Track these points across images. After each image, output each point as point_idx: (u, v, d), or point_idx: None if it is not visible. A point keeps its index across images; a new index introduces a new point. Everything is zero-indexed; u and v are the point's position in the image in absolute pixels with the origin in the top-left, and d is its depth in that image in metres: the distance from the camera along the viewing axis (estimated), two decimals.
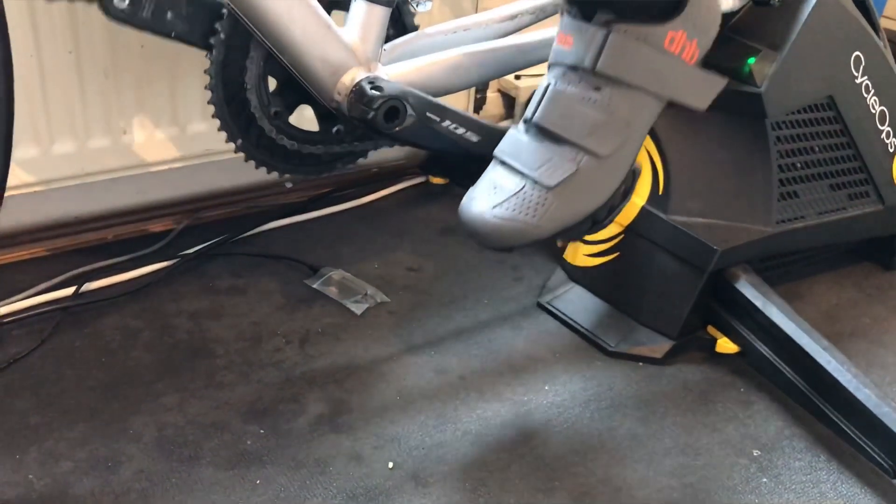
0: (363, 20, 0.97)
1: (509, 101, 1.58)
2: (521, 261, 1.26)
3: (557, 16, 1.06)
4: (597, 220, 0.90)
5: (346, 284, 1.16)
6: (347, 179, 1.40)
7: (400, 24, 1.10)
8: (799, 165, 1.10)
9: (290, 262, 1.20)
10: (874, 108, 1.15)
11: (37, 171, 1.13)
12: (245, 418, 0.92)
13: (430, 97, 0.97)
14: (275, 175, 1.12)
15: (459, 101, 1.45)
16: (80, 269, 1.13)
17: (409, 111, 0.95)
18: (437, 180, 1.46)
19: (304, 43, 0.93)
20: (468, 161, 1.01)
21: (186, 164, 1.24)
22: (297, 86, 0.98)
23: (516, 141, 0.89)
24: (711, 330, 1.09)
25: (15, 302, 1.06)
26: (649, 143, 1.08)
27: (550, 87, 0.87)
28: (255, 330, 1.06)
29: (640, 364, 1.06)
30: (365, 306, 1.12)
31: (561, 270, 1.20)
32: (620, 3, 0.85)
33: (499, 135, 0.92)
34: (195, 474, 0.85)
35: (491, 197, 0.86)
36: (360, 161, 1.19)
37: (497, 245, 0.87)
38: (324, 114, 1.04)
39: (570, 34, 0.87)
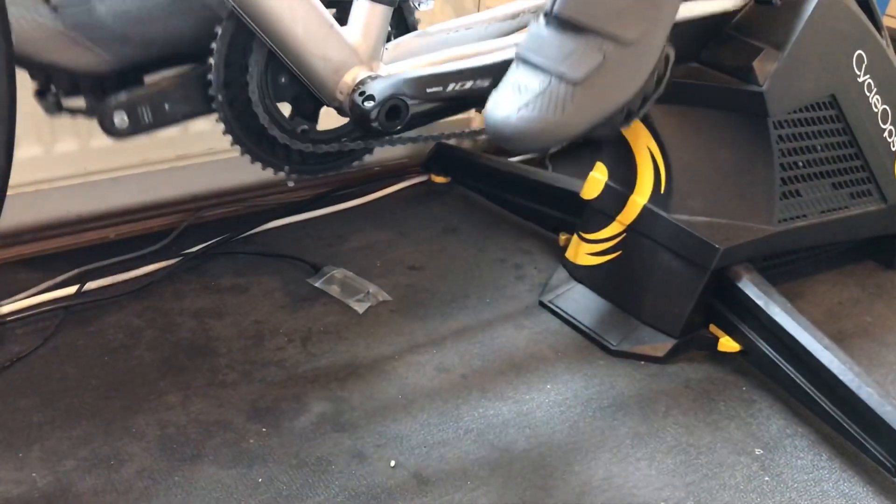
0: (365, 19, 0.97)
1: None
2: (524, 259, 1.26)
3: None
4: (631, 110, 0.86)
5: (348, 283, 1.16)
6: (349, 178, 1.41)
7: (402, 22, 1.10)
8: (801, 164, 1.10)
9: (292, 260, 1.21)
10: (876, 107, 1.15)
11: (39, 170, 1.13)
12: (247, 417, 0.92)
13: (424, 70, 0.94)
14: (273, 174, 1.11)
15: None
16: (83, 268, 1.13)
17: (410, 102, 0.94)
18: (438, 179, 1.46)
19: (305, 41, 0.93)
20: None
21: (188, 162, 1.24)
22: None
23: (537, 36, 0.83)
24: (713, 329, 1.09)
25: (17, 301, 1.06)
26: (651, 142, 1.08)
27: None
28: (257, 328, 1.06)
29: (642, 363, 1.06)
30: (367, 305, 1.12)
31: (563, 269, 1.20)
32: None
33: (508, 66, 0.89)
34: (197, 473, 0.85)
35: (516, 98, 0.82)
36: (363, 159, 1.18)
37: (529, 147, 0.84)
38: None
39: None
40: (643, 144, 1.09)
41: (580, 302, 1.14)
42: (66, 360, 0.98)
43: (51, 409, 0.91)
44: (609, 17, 0.80)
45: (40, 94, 0.89)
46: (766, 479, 0.90)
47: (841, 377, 0.94)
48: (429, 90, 0.92)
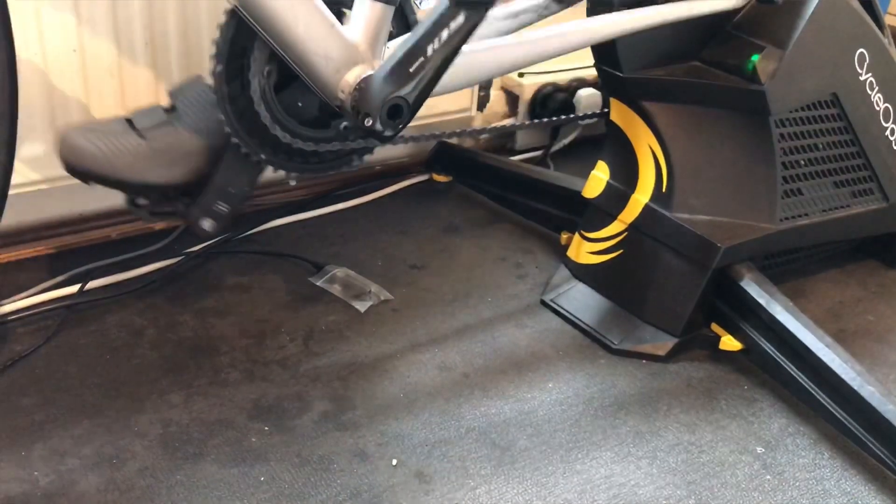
0: (366, 18, 0.97)
1: (513, 99, 1.58)
2: (525, 258, 1.26)
3: (560, 13, 1.06)
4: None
5: (350, 282, 1.16)
6: (351, 177, 1.41)
7: (403, 21, 1.10)
8: (803, 163, 1.10)
9: (294, 259, 1.21)
10: (878, 105, 1.15)
11: (41, 169, 1.13)
12: (249, 415, 0.92)
13: (399, 53, 0.93)
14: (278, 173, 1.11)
15: (463, 99, 1.45)
16: (85, 267, 1.13)
17: (407, 99, 0.94)
18: (440, 178, 1.46)
19: (307, 40, 0.93)
20: None
21: None
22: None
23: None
24: (715, 327, 1.09)
25: (20, 300, 1.06)
26: (653, 140, 1.08)
27: None
28: (259, 327, 1.06)
29: (644, 362, 1.06)
30: (369, 304, 1.12)
31: (564, 268, 1.20)
32: None
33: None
34: (199, 471, 0.85)
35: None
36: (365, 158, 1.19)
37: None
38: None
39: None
40: (645, 143, 1.09)
41: (582, 301, 1.14)
42: (68, 359, 0.98)
43: (53, 408, 0.91)
44: None
45: (132, 204, 1.01)
46: (768, 477, 0.90)
47: (843, 376, 0.94)
48: (411, 69, 0.91)
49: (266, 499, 0.82)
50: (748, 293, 1.03)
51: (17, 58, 0.85)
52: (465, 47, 1.03)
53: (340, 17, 1.00)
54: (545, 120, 1.45)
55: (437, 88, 1.02)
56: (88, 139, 0.94)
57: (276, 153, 1.09)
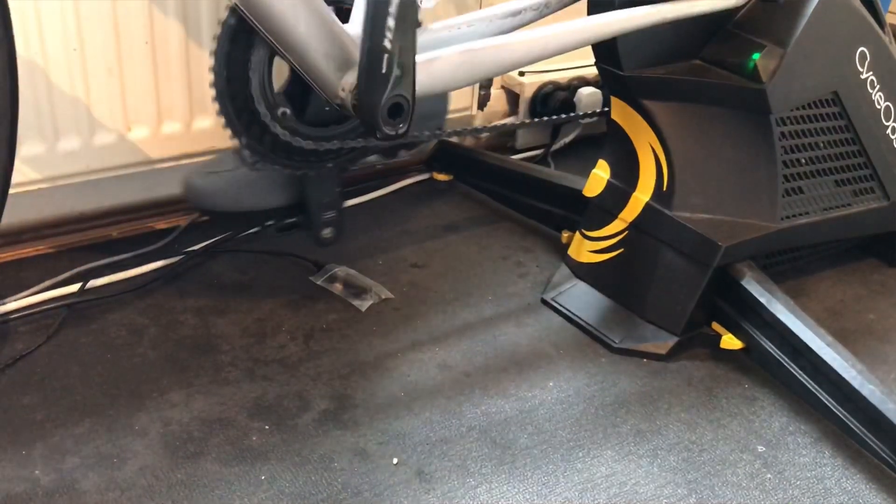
0: None
1: (513, 98, 1.58)
2: (526, 257, 1.26)
3: (561, 11, 1.06)
4: None
5: (351, 281, 1.16)
6: (351, 176, 1.40)
7: None
8: (803, 161, 1.10)
9: (294, 258, 1.21)
10: (879, 104, 1.15)
11: (42, 168, 1.13)
12: (250, 414, 0.92)
13: (362, 61, 0.91)
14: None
15: (463, 98, 1.45)
16: (86, 266, 1.13)
17: (409, 98, 0.94)
18: (440, 177, 1.46)
19: (307, 39, 0.93)
20: None
21: (191, 160, 1.24)
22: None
23: None
24: (716, 326, 1.09)
25: (20, 299, 1.06)
26: (653, 139, 1.08)
27: None
28: (259, 326, 1.06)
29: (645, 360, 1.06)
30: (369, 303, 1.12)
31: (565, 267, 1.20)
32: None
33: None
34: (200, 470, 0.85)
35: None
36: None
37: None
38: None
39: None
40: (645, 142, 1.09)
41: (582, 299, 1.14)
42: (68, 358, 0.98)
43: (54, 407, 0.91)
44: None
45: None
46: (769, 476, 0.90)
47: (843, 374, 0.94)
48: (383, 70, 0.88)
49: (267, 498, 0.82)
50: (749, 292, 1.03)
51: (18, 57, 0.85)
52: (468, 44, 1.03)
53: (341, 14, 1.00)
54: (546, 118, 1.45)
55: (438, 87, 1.02)
56: (210, 181, 1.10)
57: (275, 151, 1.09)
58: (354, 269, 1.19)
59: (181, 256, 1.17)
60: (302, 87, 1.02)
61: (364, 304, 1.12)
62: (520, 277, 1.21)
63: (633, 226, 1.11)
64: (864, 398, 0.91)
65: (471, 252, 1.27)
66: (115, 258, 1.16)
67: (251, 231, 1.25)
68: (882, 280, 1.27)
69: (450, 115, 1.44)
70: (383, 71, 0.87)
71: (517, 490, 0.86)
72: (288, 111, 1.04)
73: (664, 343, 1.07)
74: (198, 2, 1.15)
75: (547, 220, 1.32)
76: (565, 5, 1.06)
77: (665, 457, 0.91)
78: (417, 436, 0.91)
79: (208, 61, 1.01)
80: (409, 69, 0.89)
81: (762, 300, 1.02)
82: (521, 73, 1.53)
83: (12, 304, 1.05)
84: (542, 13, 1.09)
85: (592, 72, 1.58)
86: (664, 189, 1.08)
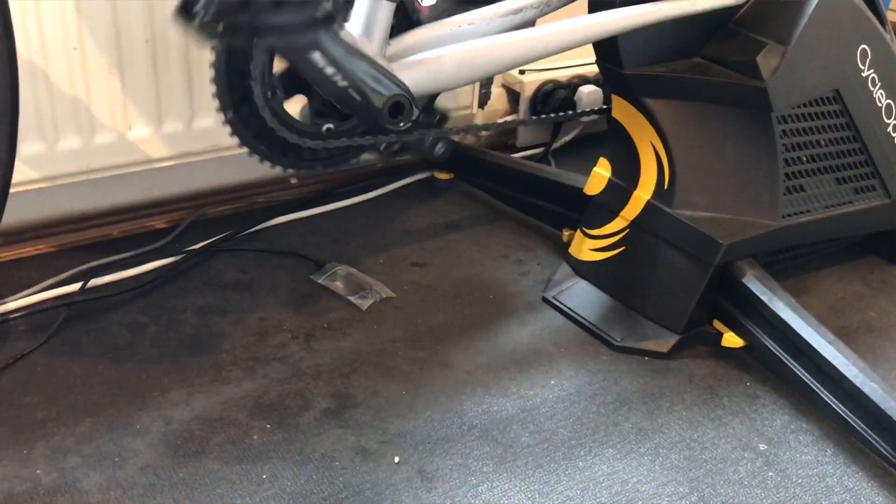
0: (368, 15, 0.97)
1: (514, 96, 1.58)
2: (527, 256, 1.26)
3: (563, 9, 1.06)
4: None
5: (352, 279, 1.16)
6: (352, 175, 1.40)
7: (405, 17, 1.10)
8: (805, 159, 1.10)
9: (295, 257, 1.21)
10: (880, 102, 1.15)
11: (42, 168, 1.13)
12: (251, 413, 0.92)
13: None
14: (279, 170, 1.11)
15: (464, 97, 1.45)
16: (86, 265, 1.13)
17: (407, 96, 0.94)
18: (441, 176, 1.46)
19: None
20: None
21: (191, 160, 1.24)
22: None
23: None
24: (717, 324, 1.09)
25: (21, 298, 1.06)
26: (654, 137, 1.08)
27: None
28: (260, 325, 1.06)
29: (646, 358, 1.06)
30: (370, 301, 1.12)
31: (566, 265, 1.20)
32: None
33: None
34: (202, 469, 0.85)
35: None
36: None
37: None
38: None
39: None
40: (646, 140, 1.09)
41: (583, 298, 1.14)
42: (69, 358, 0.98)
43: (55, 406, 0.91)
44: None
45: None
46: (771, 474, 0.90)
47: (845, 372, 0.94)
48: (358, 99, 0.93)
49: (268, 497, 0.82)
50: (750, 290, 1.03)
51: (18, 56, 0.85)
52: (469, 42, 1.03)
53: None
54: (546, 116, 1.45)
55: (440, 85, 1.02)
56: None
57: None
58: (355, 267, 1.19)
59: (182, 255, 1.17)
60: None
61: (365, 303, 1.12)
62: (521, 276, 1.21)
63: (635, 224, 1.11)
64: (865, 396, 0.91)
65: (472, 250, 1.27)
66: (116, 257, 1.16)
67: (253, 230, 1.26)
68: (883, 278, 1.27)
69: (451, 114, 1.44)
70: (359, 100, 0.92)
71: (519, 488, 0.85)
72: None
73: (665, 341, 1.07)
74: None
75: (548, 218, 1.32)
76: (566, 3, 1.06)
77: (666, 455, 0.91)
78: (419, 434, 0.91)
79: (208, 60, 1.01)
80: (371, 88, 0.93)
81: (763, 298, 1.02)
82: (522, 72, 1.53)
83: (13, 304, 1.05)
84: (543, 11, 1.09)
85: (593, 70, 1.58)
86: (665, 187, 1.08)
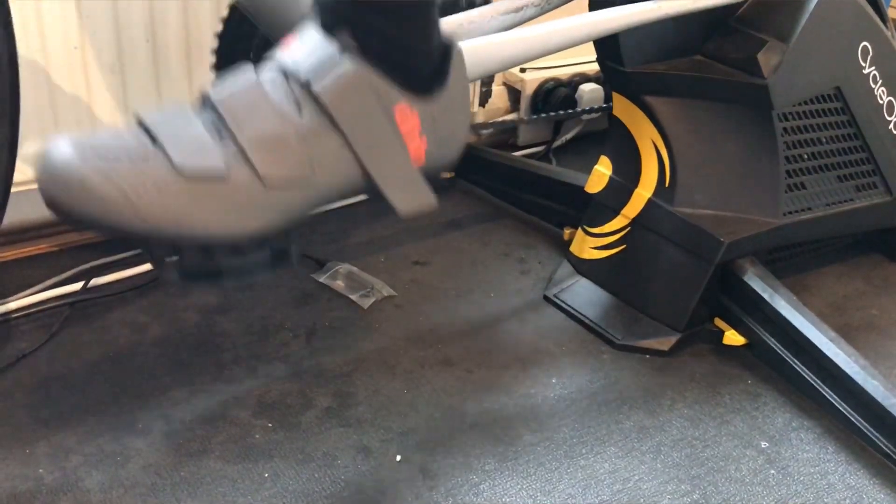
0: None
1: (514, 95, 1.58)
2: (528, 254, 1.26)
3: (563, 7, 1.06)
4: (237, 249, 0.70)
5: (353, 278, 1.16)
6: None
7: None
8: (806, 157, 1.10)
9: None
10: (882, 99, 1.15)
11: None
12: (253, 412, 0.92)
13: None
14: None
15: None
16: (88, 265, 1.13)
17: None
18: (442, 175, 1.46)
19: None
20: None
21: None
22: None
23: (180, 110, 0.69)
24: (718, 322, 1.09)
25: (23, 297, 1.06)
26: (655, 135, 1.08)
27: (253, 77, 0.69)
28: (262, 324, 1.06)
29: (647, 357, 1.06)
30: (371, 300, 1.12)
31: (567, 263, 1.20)
32: (366, 28, 0.70)
33: None
34: (203, 468, 0.85)
35: (103, 142, 0.63)
36: None
37: (66, 208, 0.61)
38: None
39: (302, 37, 0.71)
40: (647, 137, 1.09)
41: (585, 296, 1.14)
42: (71, 357, 0.98)
43: (57, 406, 0.91)
44: (256, 141, 0.66)
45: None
46: (772, 472, 0.90)
47: (846, 370, 0.94)
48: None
49: (270, 495, 0.82)
50: (751, 288, 1.03)
51: (19, 55, 0.85)
52: (470, 41, 1.03)
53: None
54: (547, 115, 1.45)
55: None
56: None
57: None
58: (356, 266, 1.19)
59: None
60: None
61: (366, 302, 1.12)
62: (522, 274, 1.21)
63: (636, 222, 1.11)
64: (867, 394, 0.91)
65: (473, 249, 1.27)
66: (118, 256, 1.16)
67: None
68: (885, 275, 1.27)
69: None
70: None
71: (520, 486, 0.86)
72: None
73: (667, 339, 1.07)
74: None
75: (549, 216, 1.32)
76: (566, 1, 1.06)
77: (668, 453, 0.91)
78: (420, 433, 0.91)
79: (209, 59, 1.01)
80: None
81: (765, 296, 1.02)
82: (523, 70, 1.53)
83: (15, 303, 1.05)
84: (543, 9, 1.09)
85: (594, 68, 1.58)
86: (666, 185, 1.08)
